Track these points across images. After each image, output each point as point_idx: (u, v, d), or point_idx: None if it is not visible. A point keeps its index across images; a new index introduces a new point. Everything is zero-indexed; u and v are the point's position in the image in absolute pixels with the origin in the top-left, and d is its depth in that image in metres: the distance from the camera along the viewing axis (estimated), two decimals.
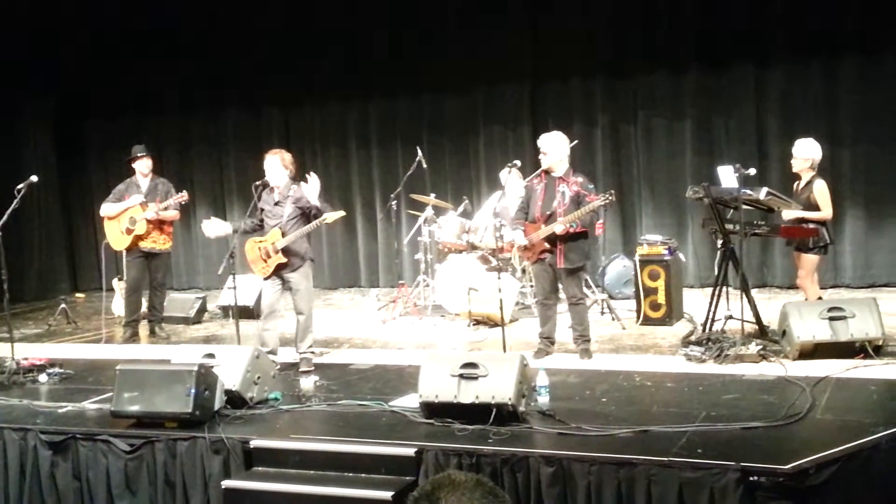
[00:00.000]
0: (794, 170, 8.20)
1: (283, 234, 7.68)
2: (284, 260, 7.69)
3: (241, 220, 8.33)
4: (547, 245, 7.52)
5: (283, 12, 12.58)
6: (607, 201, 7.40)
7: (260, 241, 7.79)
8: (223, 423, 6.02)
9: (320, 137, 12.99)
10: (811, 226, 7.93)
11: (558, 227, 7.35)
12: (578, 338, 7.68)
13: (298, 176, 7.99)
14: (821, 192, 7.93)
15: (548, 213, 7.51)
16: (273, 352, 7.70)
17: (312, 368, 7.65)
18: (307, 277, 7.89)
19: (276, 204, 7.82)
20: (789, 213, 7.99)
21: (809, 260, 8.02)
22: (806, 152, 8.08)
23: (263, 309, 7.93)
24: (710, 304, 7.84)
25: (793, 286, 10.22)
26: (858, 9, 10.24)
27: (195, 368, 6.04)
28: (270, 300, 7.85)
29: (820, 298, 7.96)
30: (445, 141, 12.31)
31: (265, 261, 7.73)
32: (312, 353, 7.90)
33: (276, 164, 7.83)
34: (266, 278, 7.85)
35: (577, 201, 7.43)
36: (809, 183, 8.02)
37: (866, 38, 10.26)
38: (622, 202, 11.34)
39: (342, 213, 8.21)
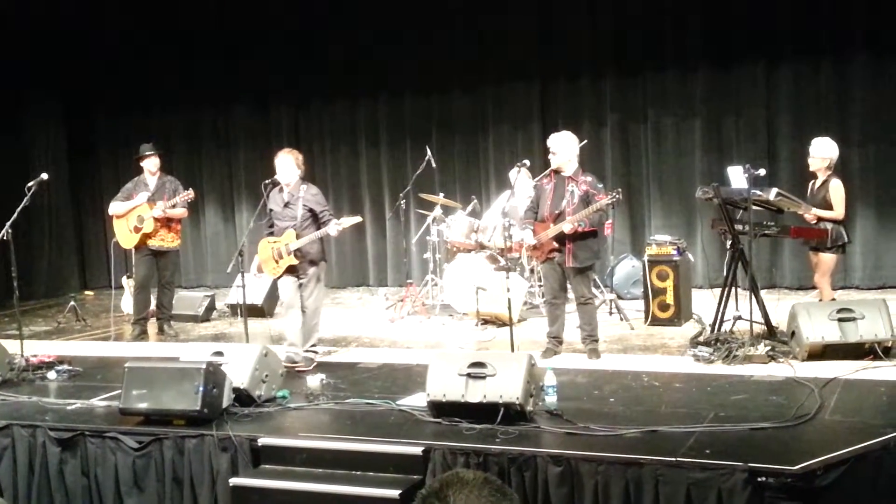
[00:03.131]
0: (811, 168, 8.18)
1: (298, 237, 7.68)
2: (296, 261, 7.68)
3: (251, 228, 8.30)
4: (556, 244, 7.52)
5: (292, 11, 12.58)
6: (614, 200, 7.38)
7: (274, 242, 7.77)
8: (231, 421, 6.03)
9: (329, 136, 13.00)
10: (822, 226, 7.92)
11: (566, 226, 7.34)
12: (587, 338, 7.67)
13: (308, 176, 7.97)
14: (836, 191, 7.92)
15: (557, 212, 7.50)
16: (294, 344, 7.78)
17: (311, 367, 7.64)
18: (319, 278, 7.89)
19: (287, 205, 7.80)
20: (808, 214, 7.97)
21: (828, 259, 8.01)
22: (824, 151, 8.07)
23: (284, 304, 7.91)
24: (719, 304, 7.82)
25: (802, 287, 10.22)
26: (868, 8, 10.20)
27: (203, 366, 6.04)
28: (290, 296, 7.81)
29: (833, 300, 7.93)
30: (455, 140, 12.30)
31: (277, 261, 7.73)
32: (315, 352, 7.92)
33: (290, 162, 7.80)
34: (277, 279, 7.85)
35: (587, 200, 7.42)
36: (825, 182, 8.01)
37: (876, 37, 10.23)
38: (631, 202, 11.34)
39: (358, 219, 8.19)
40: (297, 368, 7.57)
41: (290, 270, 7.75)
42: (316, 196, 7.90)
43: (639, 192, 11.46)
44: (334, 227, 7.62)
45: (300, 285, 7.83)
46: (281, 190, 7.85)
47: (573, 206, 7.43)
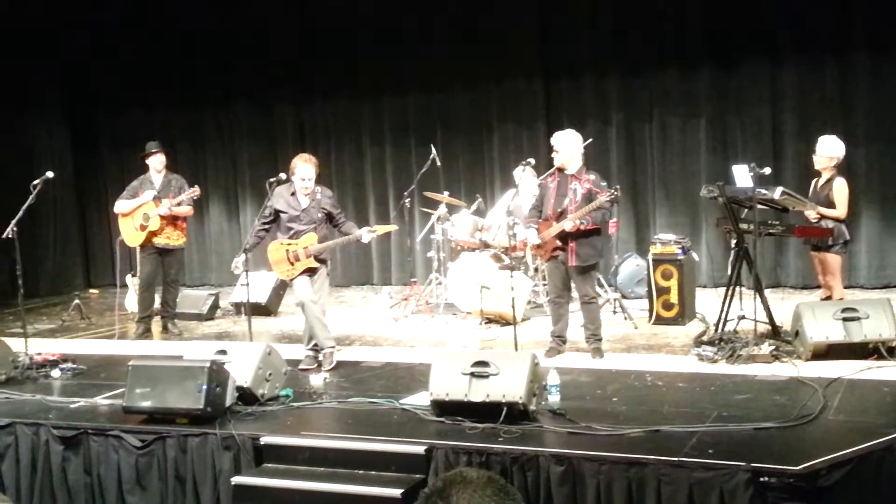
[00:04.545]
0: (817, 167, 8.19)
1: (319, 240, 7.63)
2: (316, 265, 7.63)
3: (250, 234, 8.25)
4: (559, 243, 7.50)
5: (296, 10, 12.59)
6: (612, 196, 7.33)
7: (289, 244, 7.67)
8: (234, 420, 6.04)
9: (334, 135, 12.97)
10: (825, 224, 7.91)
11: (568, 224, 7.32)
12: (590, 337, 7.66)
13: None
14: (839, 190, 7.92)
15: (560, 210, 7.49)
16: (327, 338, 7.70)
17: (314, 366, 7.63)
18: (327, 276, 7.86)
19: (304, 209, 7.71)
20: (810, 213, 7.97)
21: (835, 259, 8.02)
22: (830, 150, 8.07)
23: (303, 302, 7.64)
24: (723, 303, 7.80)
25: (807, 286, 10.20)
26: (872, 7, 10.16)
27: (207, 365, 6.05)
28: (308, 293, 7.64)
29: (841, 299, 7.92)
30: (459, 139, 12.28)
31: (292, 264, 7.64)
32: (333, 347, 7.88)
33: (311, 171, 7.66)
34: (290, 280, 7.82)
35: (590, 199, 7.39)
36: (830, 180, 8.02)
37: (880, 36, 10.19)
38: (636, 201, 11.33)
39: (394, 228, 8.14)
40: (300, 367, 7.55)
41: (305, 271, 7.70)
42: (331, 199, 7.89)
43: (644, 191, 11.45)
44: (368, 234, 7.62)
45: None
46: (293, 193, 7.75)
47: (576, 204, 7.41)
